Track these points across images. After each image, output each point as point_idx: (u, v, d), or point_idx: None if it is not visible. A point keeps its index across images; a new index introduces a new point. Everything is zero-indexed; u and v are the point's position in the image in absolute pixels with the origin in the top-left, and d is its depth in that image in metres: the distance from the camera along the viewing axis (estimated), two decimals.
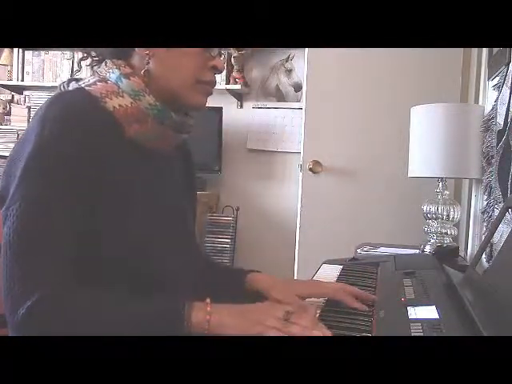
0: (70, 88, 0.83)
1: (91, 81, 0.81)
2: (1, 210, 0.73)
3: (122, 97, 0.79)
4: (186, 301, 0.70)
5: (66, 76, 3.05)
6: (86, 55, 0.88)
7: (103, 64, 0.84)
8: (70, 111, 0.75)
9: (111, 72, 0.81)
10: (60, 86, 0.85)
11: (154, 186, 0.85)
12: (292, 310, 0.72)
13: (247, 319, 0.70)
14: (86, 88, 0.80)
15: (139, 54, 0.82)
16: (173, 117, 0.83)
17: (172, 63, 0.82)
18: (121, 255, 0.78)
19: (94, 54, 0.88)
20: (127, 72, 0.81)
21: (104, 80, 0.81)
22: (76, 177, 0.73)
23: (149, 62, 0.81)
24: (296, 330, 0.67)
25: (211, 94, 0.88)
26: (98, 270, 0.76)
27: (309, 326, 0.68)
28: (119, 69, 0.81)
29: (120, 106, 0.79)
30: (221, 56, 0.87)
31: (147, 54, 0.81)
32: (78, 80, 0.84)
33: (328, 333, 0.68)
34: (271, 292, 0.88)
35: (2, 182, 0.76)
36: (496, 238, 1.20)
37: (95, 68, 0.86)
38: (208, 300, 0.71)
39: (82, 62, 0.90)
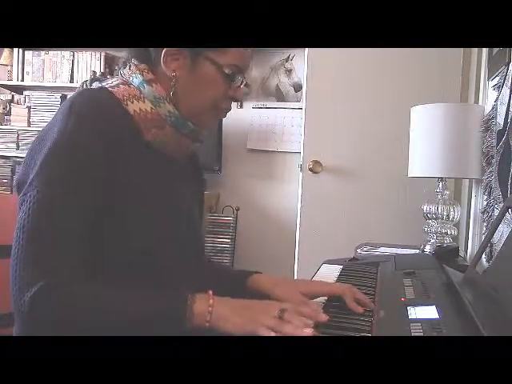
0: (94, 87, 0.85)
1: (114, 83, 0.84)
2: (18, 196, 0.75)
3: (143, 102, 0.82)
4: (189, 293, 0.71)
5: (66, 76, 3.06)
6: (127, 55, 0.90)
7: (127, 67, 0.86)
8: (95, 108, 0.77)
9: (134, 76, 0.84)
10: (82, 84, 0.89)
11: (166, 189, 0.86)
12: (288, 307, 0.72)
13: (244, 316, 0.70)
14: (110, 89, 0.82)
15: (164, 73, 0.84)
16: (190, 126, 0.85)
17: (195, 88, 0.84)
18: (129, 253, 0.79)
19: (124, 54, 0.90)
20: (150, 78, 0.83)
21: (127, 83, 0.83)
22: (94, 172, 0.75)
23: (175, 84, 0.83)
24: (288, 330, 0.68)
25: (224, 117, 0.91)
26: (105, 266, 0.77)
27: (300, 325, 0.69)
28: (142, 74, 0.83)
29: (140, 110, 0.81)
30: (242, 85, 0.88)
31: (174, 76, 0.83)
32: (100, 81, 0.87)
33: (313, 333, 0.68)
34: (275, 291, 0.88)
35: (22, 170, 0.78)
36: (496, 237, 1.20)
37: (120, 71, 0.87)
38: (210, 292, 0.72)
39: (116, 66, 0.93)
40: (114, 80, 0.85)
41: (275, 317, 0.70)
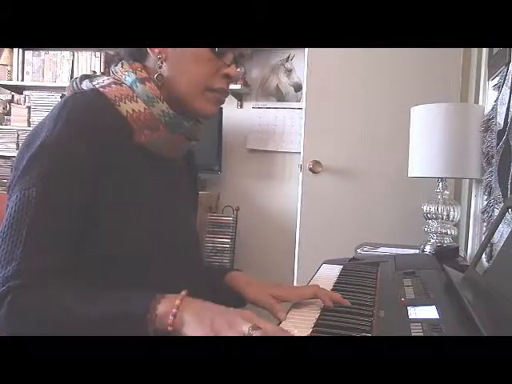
0: (84, 87, 0.83)
1: (106, 82, 0.81)
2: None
3: (136, 102, 0.79)
4: (158, 294, 0.66)
5: (66, 76, 3.06)
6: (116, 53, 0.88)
7: (119, 65, 0.84)
8: (84, 112, 0.75)
9: (127, 75, 0.81)
10: (72, 83, 0.85)
11: (161, 191, 0.85)
12: (258, 327, 0.63)
13: (210, 326, 0.63)
14: (101, 89, 0.80)
15: (153, 58, 0.82)
16: (184, 124, 0.83)
17: (183, 68, 0.82)
18: (121, 256, 0.78)
19: (115, 52, 0.88)
20: (143, 77, 0.81)
21: (119, 83, 0.81)
22: (77, 173, 0.73)
23: (161, 66, 0.81)
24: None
25: (223, 102, 0.87)
26: (97, 269, 0.76)
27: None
28: (135, 73, 0.81)
29: (133, 111, 0.79)
30: (237, 65, 0.86)
31: (159, 58, 0.81)
32: (91, 79, 0.84)
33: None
34: (246, 290, 0.90)
35: (12, 174, 0.76)
36: (496, 237, 1.20)
37: (111, 68, 0.86)
38: (184, 292, 0.67)
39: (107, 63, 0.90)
40: (105, 79, 0.83)
41: (243, 334, 0.62)
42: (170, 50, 0.81)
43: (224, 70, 0.83)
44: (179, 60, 0.82)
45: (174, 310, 0.64)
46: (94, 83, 0.82)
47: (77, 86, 0.84)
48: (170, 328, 0.63)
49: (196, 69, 0.82)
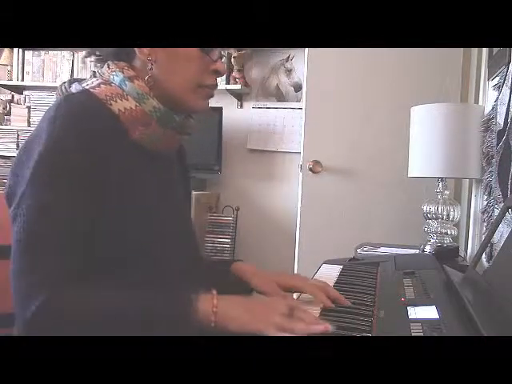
0: (73, 90, 0.83)
1: (95, 83, 0.82)
2: (10, 209, 0.74)
3: (127, 100, 0.80)
4: (192, 293, 0.71)
5: (66, 76, 3.05)
6: (89, 53, 0.89)
7: (105, 66, 0.84)
8: (80, 113, 0.76)
9: (114, 75, 0.82)
10: (61, 86, 0.86)
11: (157, 186, 0.86)
12: (295, 304, 0.73)
13: (252, 314, 0.70)
14: (91, 90, 0.80)
15: (141, 59, 0.83)
16: (176, 119, 0.84)
17: (173, 68, 0.83)
18: (125, 254, 0.78)
19: (97, 53, 0.88)
20: (130, 75, 0.82)
21: (108, 83, 0.81)
22: (84, 178, 0.74)
23: (152, 68, 0.82)
24: (300, 327, 0.68)
25: (212, 96, 0.89)
26: (103, 266, 0.77)
27: (313, 321, 0.69)
28: (122, 71, 0.82)
29: (125, 108, 0.80)
30: (222, 59, 0.88)
31: (149, 60, 0.82)
32: (80, 81, 0.85)
33: (329, 327, 0.68)
34: (253, 280, 0.92)
35: (10, 181, 0.77)
36: (496, 237, 1.20)
37: (97, 69, 0.86)
38: (214, 292, 0.72)
39: (86, 59, 0.91)
40: (93, 80, 0.83)
41: (285, 314, 0.70)
42: (159, 50, 0.82)
43: (212, 66, 0.85)
44: (169, 60, 0.83)
45: (215, 309, 0.69)
46: (83, 85, 0.83)
47: (65, 89, 0.85)
48: (212, 324, 0.69)
49: (187, 68, 0.83)
